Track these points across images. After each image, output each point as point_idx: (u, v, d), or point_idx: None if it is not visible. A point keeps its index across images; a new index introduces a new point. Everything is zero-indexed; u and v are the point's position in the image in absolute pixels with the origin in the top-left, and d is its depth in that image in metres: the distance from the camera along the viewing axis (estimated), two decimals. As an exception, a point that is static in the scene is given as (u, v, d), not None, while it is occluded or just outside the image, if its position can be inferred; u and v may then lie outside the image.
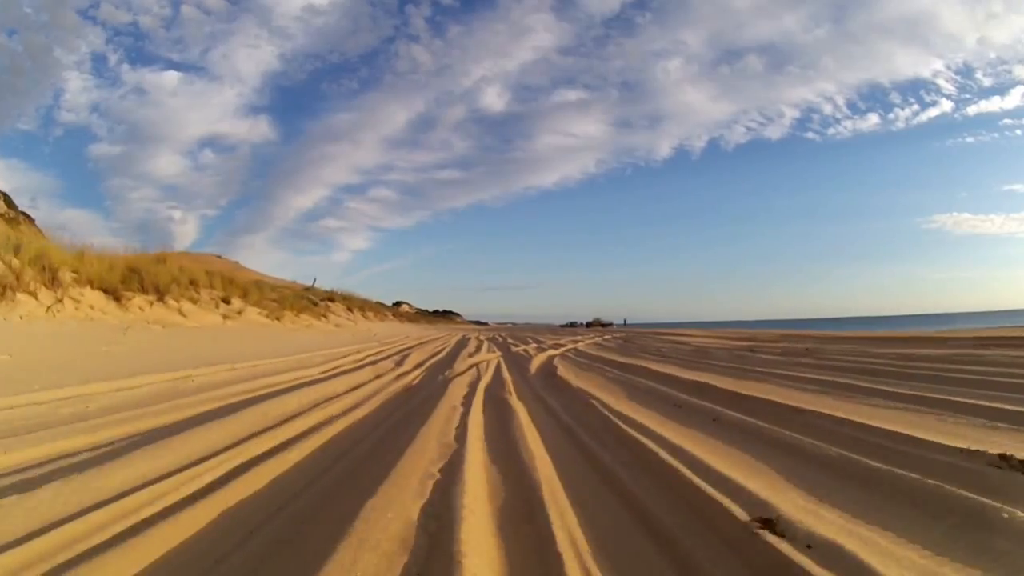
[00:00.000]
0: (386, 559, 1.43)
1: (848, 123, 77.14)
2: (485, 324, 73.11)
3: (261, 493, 2.27)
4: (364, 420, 3.57)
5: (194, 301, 12.71)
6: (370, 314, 29.52)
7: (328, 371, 6.84)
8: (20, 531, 1.78)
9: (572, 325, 60.31)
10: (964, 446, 2.53)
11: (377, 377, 6.27)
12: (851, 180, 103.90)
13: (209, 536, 1.84)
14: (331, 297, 24.98)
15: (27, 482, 2.20)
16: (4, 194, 21.99)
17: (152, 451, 2.94)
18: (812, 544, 1.59)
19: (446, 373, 6.40)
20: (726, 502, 1.98)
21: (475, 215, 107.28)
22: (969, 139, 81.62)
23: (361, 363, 7.92)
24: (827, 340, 13.18)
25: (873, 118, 76.71)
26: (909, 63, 79.53)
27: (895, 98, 75.24)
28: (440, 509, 1.74)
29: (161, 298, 11.44)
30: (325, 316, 19.99)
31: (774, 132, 79.21)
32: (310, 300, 21.63)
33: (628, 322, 63.56)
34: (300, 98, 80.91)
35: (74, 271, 10.48)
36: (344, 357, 8.67)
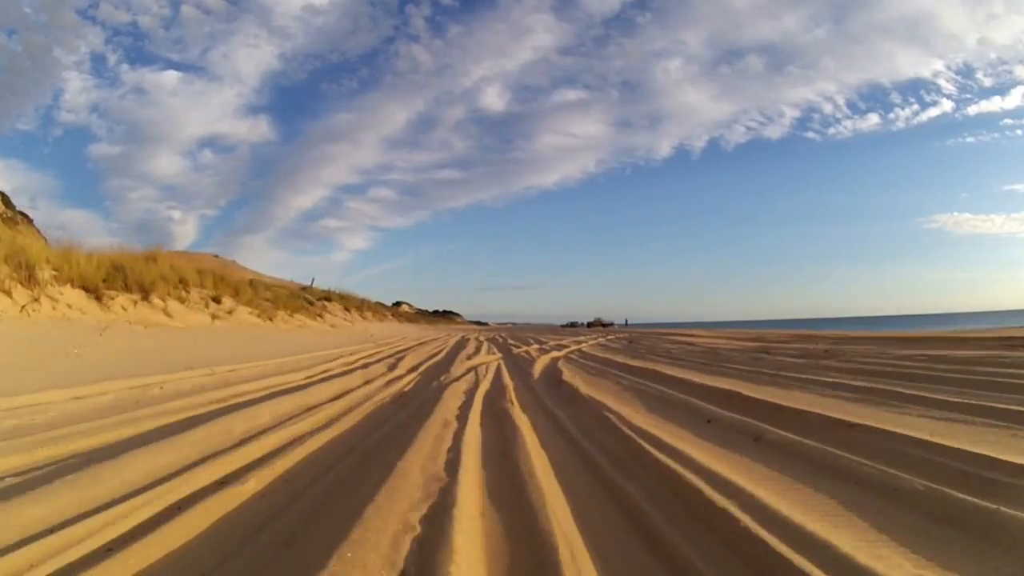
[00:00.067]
0: None
1: (848, 123, 76.55)
2: (485, 324, 72.57)
3: (188, 548, 1.74)
4: (340, 439, 3.04)
5: (182, 300, 12.19)
6: (368, 314, 28.99)
7: (314, 376, 6.32)
8: None
9: (573, 325, 59.74)
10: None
11: (367, 383, 5.75)
12: (851, 180, 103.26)
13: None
14: (328, 297, 24.45)
15: None
16: (2, 194, 21.56)
17: (80, 480, 2.42)
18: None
19: (442, 378, 5.87)
20: (808, 567, 1.45)
21: (475, 215, 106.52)
22: (970, 139, 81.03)
23: (352, 367, 7.39)
24: (841, 340, 12.64)
25: (873, 118, 76.13)
26: (909, 63, 79.05)
27: (895, 98, 74.67)
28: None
29: (146, 297, 10.91)
30: (321, 316, 19.47)
31: (774, 132, 78.62)
32: (306, 300, 21.10)
33: (629, 322, 62.96)
34: (300, 98, 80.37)
35: (55, 269, 9.98)
36: (335, 360, 8.15)
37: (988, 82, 69.42)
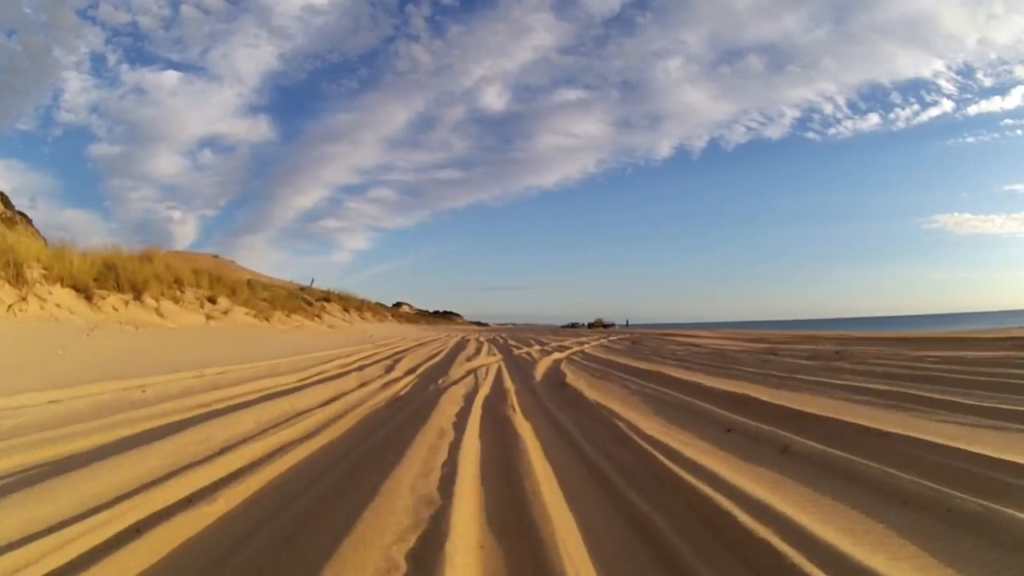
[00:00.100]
0: None
1: (849, 123, 76.06)
2: (486, 325, 72.30)
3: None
4: (326, 450, 2.78)
5: (176, 300, 11.94)
6: (368, 315, 28.74)
7: (307, 378, 6.06)
8: None
9: (574, 326, 59.42)
10: None
11: (361, 385, 5.49)
12: (852, 180, 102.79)
13: None
14: (327, 297, 24.20)
15: None
16: (1, 194, 21.37)
17: (32, 496, 2.17)
18: None
19: (440, 381, 5.61)
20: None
21: (475, 215, 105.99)
22: (970, 139, 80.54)
23: (347, 368, 7.14)
24: (848, 341, 12.36)
25: (874, 118, 75.64)
26: (910, 63, 78.70)
27: (896, 98, 74.20)
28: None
29: (138, 297, 10.66)
30: (319, 317, 19.21)
31: (774, 132, 78.11)
32: (304, 300, 20.85)
33: (630, 323, 62.63)
34: (300, 98, 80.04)
35: (46, 268, 9.73)
36: (330, 362, 7.89)
37: (988, 82, 69.12)
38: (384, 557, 1.34)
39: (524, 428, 3.03)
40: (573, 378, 5.53)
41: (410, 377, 6.37)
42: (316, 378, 6.08)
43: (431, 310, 69.25)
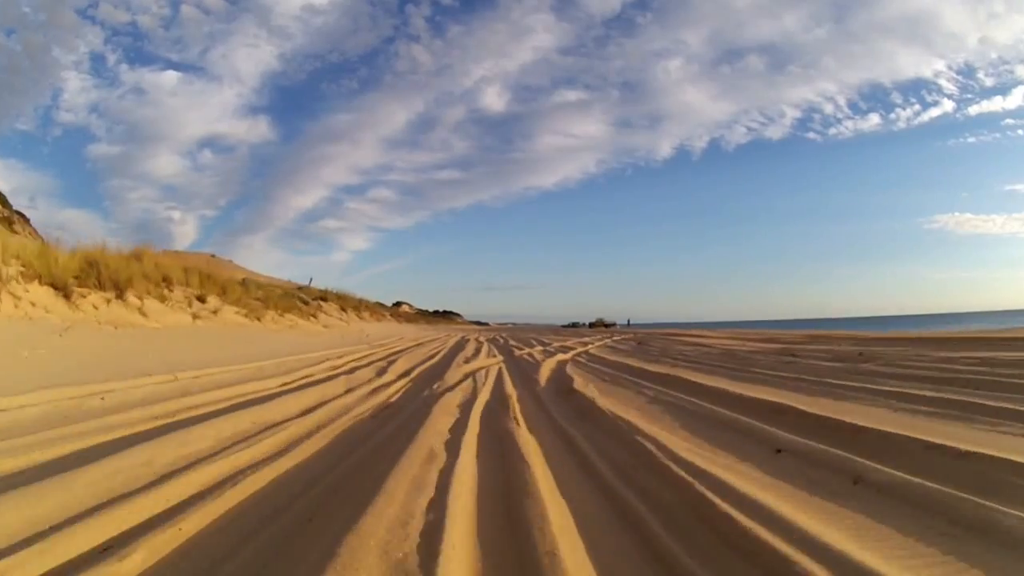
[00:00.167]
0: None
1: (849, 123, 75.61)
2: (486, 324, 71.78)
3: None
4: (287, 479, 2.27)
5: (162, 299, 11.42)
6: (366, 314, 28.23)
7: (291, 382, 5.56)
8: None
9: (574, 325, 58.83)
10: None
11: (348, 391, 4.98)
12: (852, 180, 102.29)
13: None
14: (324, 296, 23.68)
15: None
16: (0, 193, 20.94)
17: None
18: None
19: (435, 386, 5.10)
20: None
21: (475, 215, 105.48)
22: (971, 139, 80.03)
23: (337, 371, 6.63)
24: (865, 342, 11.84)
25: (874, 118, 75.19)
26: (910, 63, 78.26)
27: (896, 98, 73.72)
28: None
29: (120, 295, 10.15)
30: (314, 316, 18.69)
31: (775, 132, 77.65)
32: (300, 299, 20.33)
33: (631, 322, 62.00)
34: (299, 98, 79.53)
35: (24, 265, 9.24)
36: (320, 363, 7.39)
37: (989, 82, 68.64)
38: None
39: (530, 449, 2.52)
40: (581, 383, 5.01)
41: (403, 381, 5.86)
42: (300, 382, 5.57)
43: (431, 310, 68.80)
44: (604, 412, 3.46)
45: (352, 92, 75.08)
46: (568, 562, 1.31)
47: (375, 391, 5.00)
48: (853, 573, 1.37)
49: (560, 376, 6.06)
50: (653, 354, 9.62)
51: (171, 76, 60.82)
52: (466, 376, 5.96)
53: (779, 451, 2.49)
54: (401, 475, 2.02)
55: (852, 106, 74.12)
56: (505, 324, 76.40)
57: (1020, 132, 75.73)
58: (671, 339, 16.46)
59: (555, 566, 1.29)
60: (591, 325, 54.87)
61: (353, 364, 7.52)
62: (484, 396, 4.40)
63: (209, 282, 14.23)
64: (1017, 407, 3.59)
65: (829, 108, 72.68)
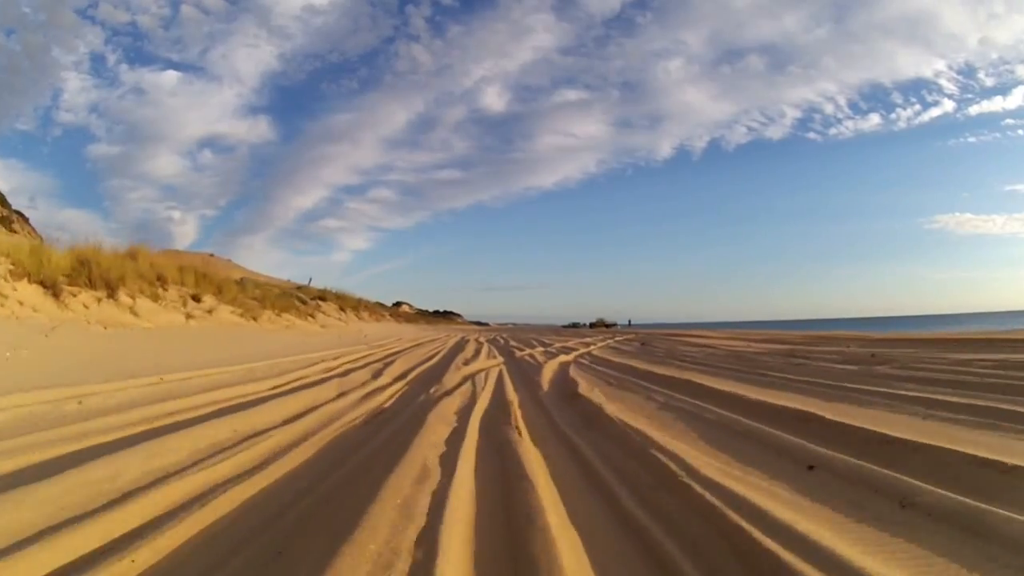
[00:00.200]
0: None
1: (850, 123, 75.01)
2: (486, 325, 71.51)
3: None
4: (261, 499, 2.02)
5: (156, 298, 11.18)
6: (365, 314, 27.99)
7: (283, 385, 5.32)
8: None
9: (575, 326, 58.53)
10: None
11: (341, 395, 4.73)
12: (853, 180, 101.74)
13: None
14: (322, 296, 23.44)
15: None
16: (-1, 193, 20.74)
17: None
18: None
19: (432, 390, 4.85)
20: None
21: (475, 215, 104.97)
22: (971, 139, 79.45)
23: (331, 373, 6.39)
24: (873, 343, 11.58)
25: (875, 118, 74.59)
26: (911, 63, 77.82)
27: (897, 98, 73.17)
28: None
29: (112, 294, 9.91)
30: (312, 316, 18.45)
31: (775, 132, 77.07)
32: (299, 299, 20.09)
33: (632, 323, 61.70)
34: (299, 98, 79.19)
35: (14, 263, 9.00)
36: (314, 365, 7.14)
37: (990, 82, 68.17)
38: None
39: (534, 464, 2.27)
40: (586, 387, 4.76)
41: (399, 384, 5.62)
42: (292, 385, 5.33)
43: (431, 310, 68.58)
44: (612, 420, 3.21)
45: (352, 92, 74.75)
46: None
47: (369, 395, 4.75)
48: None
49: (563, 379, 5.81)
50: (658, 355, 9.36)
51: (171, 76, 60.55)
52: (465, 379, 5.72)
53: (812, 467, 2.23)
54: (388, 498, 1.77)
55: (852, 106, 73.75)
56: (505, 324, 76.14)
57: (1021, 132, 75.36)
58: (674, 340, 16.20)
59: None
60: (592, 325, 54.59)
61: (349, 366, 7.27)
62: (484, 401, 4.15)
63: (205, 281, 13.99)
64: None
65: (829, 108, 72.31)
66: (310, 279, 26.70)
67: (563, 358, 8.77)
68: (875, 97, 75.87)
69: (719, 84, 78.96)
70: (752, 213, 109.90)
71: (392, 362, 7.80)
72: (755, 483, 2.05)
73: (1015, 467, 2.24)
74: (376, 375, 6.22)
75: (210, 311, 12.30)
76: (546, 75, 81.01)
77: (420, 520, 1.55)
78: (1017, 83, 68.22)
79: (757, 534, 1.51)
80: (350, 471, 2.24)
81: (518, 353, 10.23)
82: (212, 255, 41.29)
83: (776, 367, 6.60)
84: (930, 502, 1.86)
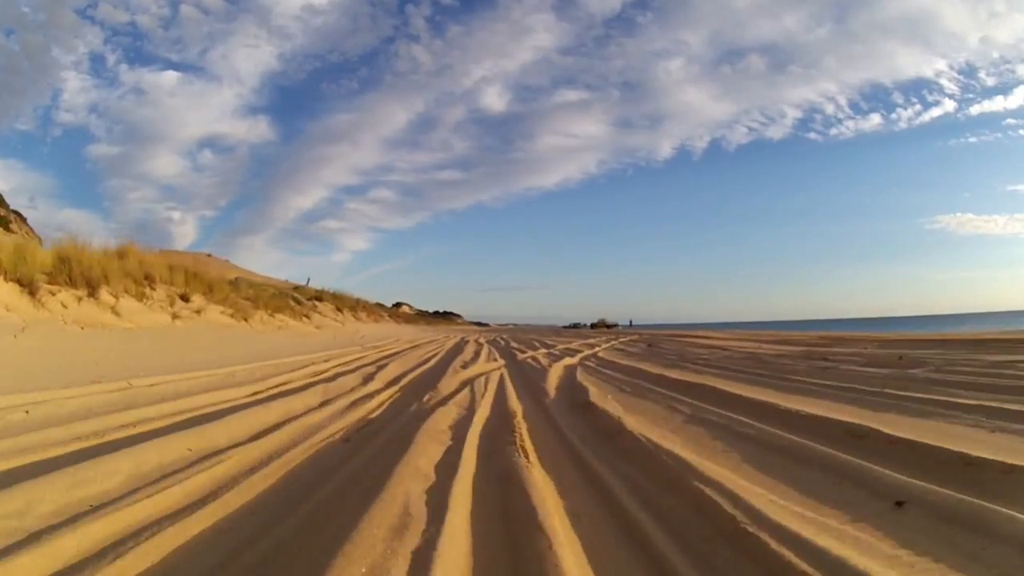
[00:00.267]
0: None
1: (850, 123, 74.71)
2: (486, 325, 71.03)
3: None
4: (196, 547, 1.53)
5: (141, 298, 10.70)
6: (363, 315, 27.49)
7: (260, 392, 4.83)
8: None
9: (576, 326, 58.02)
10: None
11: (323, 404, 4.25)
12: (853, 180, 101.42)
13: None
14: (319, 296, 22.96)
15: None
16: (-3, 193, 20.34)
17: None
18: None
19: (426, 398, 4.36)
20: None
21: (475, 216, 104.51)
22: (972, 139, 79.04)
23: (318, 377, 5.90)
24: (893, 344, 11.08)
25: (875, 118, 74.27)
26: (911, 63, 77.55)
27: (897, 98, 72.82)
28: None
29: (93, 293, 9.43)
30: (307, 316, 17.96)
31: (776, 132, 76.78)
32: (294, 299, 19.61)
33: (633, 323, 61.11)
34: (299, 98, 78.83)
35: (-6, 262, 8.53)
36: (302, 368, 6.66)
37: (991, 82, 67.82)
38: None
39: (549, 505, 1.77)
40: (598, 394, 4.27)
41: (391, 390, 5.13)
42: (272, 392, 4.84)
43: (431, 310, 68.08)
44: (635, 437, 2.72)
45: (352, 92, 74.42)
46: None
47: (355, 404, 4.26)
48: None
49: (571, 385, 5.32)
50: (669, 358, 8.86)
51: (171, 76, 60.24)
52: (463, 384, 5.23)
53: (900, 503, 1.75)
54: (354, 560, 1.28)
55: (853, 106, 73.38)
56: (506, 325, 75.60)
57: (1022, 132, 74.92)
58: (681, 341, 15.70)
59: None
60: (593, 326, 54.06)
61: (338, 369, 6.78)
62: (483, 412, 3.66)
63: (195, 280, 13.50)
64: None
65: (830, 108, 71.94)
66: (308, 279, 26.28)
67: (568, 361, 8.28)
68: (876, 97, 75.50)
69: (720, 84, 78.62)
70: (752, 213, 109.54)
71: (386, 365, 7.31)
72: (838, 529, 1.56)
73: None
74: (367, 380, 5.74)
75: (198, 311, 11.82)
76: (546, 75, 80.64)
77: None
78: (1018, 83, 67.84)
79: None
80: (311, 511, 1.75)
81: (520, 355, 9.74)
82: (209, 255, 40.82)
83: (800, 371, 6.11)
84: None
